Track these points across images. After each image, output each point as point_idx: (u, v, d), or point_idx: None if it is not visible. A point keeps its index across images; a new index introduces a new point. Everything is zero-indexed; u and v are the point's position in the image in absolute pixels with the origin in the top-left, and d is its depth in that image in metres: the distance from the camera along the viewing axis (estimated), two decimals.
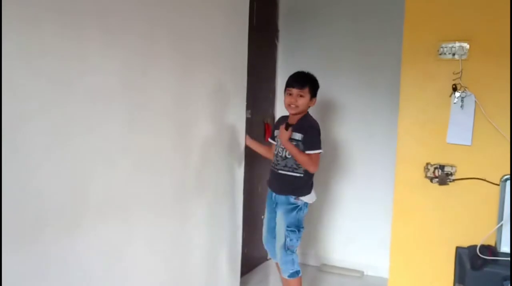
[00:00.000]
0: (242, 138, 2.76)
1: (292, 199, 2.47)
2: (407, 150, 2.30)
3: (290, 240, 2.47)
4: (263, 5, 3.30)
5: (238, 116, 2.72)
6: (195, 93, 2.27)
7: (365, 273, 3.43)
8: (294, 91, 2.45)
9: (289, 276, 2.50)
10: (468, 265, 2.07)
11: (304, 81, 2.46)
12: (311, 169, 2.44)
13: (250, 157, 2.88)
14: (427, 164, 2.26)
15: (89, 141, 1.63)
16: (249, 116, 2.98)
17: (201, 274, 2.45)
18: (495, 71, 2.13)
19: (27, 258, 1.42)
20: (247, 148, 2.80)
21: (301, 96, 2.45)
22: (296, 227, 2.48)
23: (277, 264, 2.68)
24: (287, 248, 2.48)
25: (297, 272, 2.51)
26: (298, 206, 2.48)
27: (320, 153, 2.45)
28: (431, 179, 2.25)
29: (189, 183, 2.26)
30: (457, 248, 2.18)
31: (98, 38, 1.64)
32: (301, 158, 2.40)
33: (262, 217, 2.76)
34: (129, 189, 1.85)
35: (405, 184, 2.31)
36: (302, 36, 3.53)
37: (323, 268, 3.48)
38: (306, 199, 2.50)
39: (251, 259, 3.31)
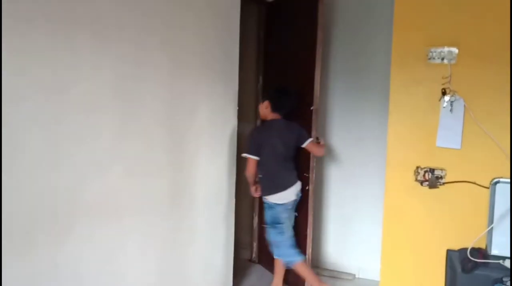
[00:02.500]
0: (233, 144, 2.76)
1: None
2: (397, 153, 2.31)
3: None
4: (253, 13, 3.31)
5: (229, 122, 2.71)
6: (187, 100, 2.26)
7: (356, 276, 3.44)
8: None
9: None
10: (459, 268, 2.08)
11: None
12: None
13: (241, 162, 2.87)
14: (417, 167, 2.27)
15: (82, 148, 1.64)
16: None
17: (194, 278, 2.44)
18: (484, 76, 2.15)
19: (20, 263, 1.42)
20: (238, 153, 2.80)
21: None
22: None
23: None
24: None
25: None
26: None
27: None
28: (421, 182, 2.26)
29: (181, 188, 2.25)
30: (448, 251, 2.20)
31: (91, 47, 1.65)
32: None
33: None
34: (122, 195, 1.85)
35: (396, 188, 2.32)
36: None
37: (315, 271, 3.48)
38: None
39: (242, 262, 3.30)
